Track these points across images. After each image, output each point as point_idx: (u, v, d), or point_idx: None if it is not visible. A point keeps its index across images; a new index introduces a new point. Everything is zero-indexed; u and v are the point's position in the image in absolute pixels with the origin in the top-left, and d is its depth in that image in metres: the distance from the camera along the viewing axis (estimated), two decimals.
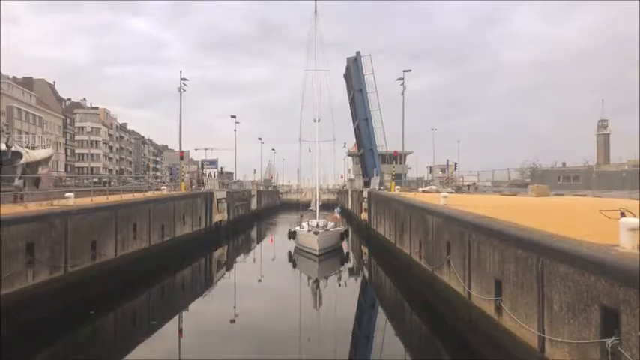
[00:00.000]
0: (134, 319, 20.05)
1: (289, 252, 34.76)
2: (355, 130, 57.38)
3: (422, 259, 20.04)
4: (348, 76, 56.62)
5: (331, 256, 32.84)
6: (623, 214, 13.26)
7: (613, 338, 6.81)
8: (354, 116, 56.29)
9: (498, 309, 11.13)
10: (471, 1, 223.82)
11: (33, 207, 18.12)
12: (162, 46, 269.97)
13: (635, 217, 12.69)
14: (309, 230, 32.63)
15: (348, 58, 54.33)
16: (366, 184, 54.70)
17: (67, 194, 19.97)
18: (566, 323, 8.11)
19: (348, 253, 36.55)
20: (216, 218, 44.61)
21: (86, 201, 22.85)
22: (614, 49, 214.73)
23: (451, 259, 15.30)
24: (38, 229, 16.07)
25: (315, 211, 39.82)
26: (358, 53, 54.22)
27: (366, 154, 56.91)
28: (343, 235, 36.45)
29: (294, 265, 31.68)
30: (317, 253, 30.61)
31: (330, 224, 36.02)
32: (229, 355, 14.66)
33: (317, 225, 33.45)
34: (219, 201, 46.24)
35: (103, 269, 20.40)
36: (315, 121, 40.97)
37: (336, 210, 45.60)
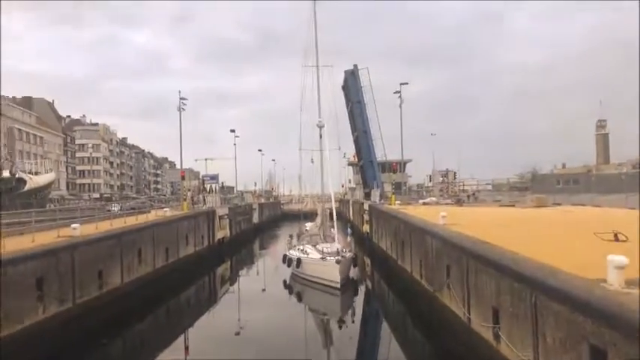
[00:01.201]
0: (142, 341, 20.61)
1: (284, 281, 30.32)
2: (354, 141, 57.81)
3: (423, 279, 20.39)
4: (345, 88, 57.07)
5: (349, 287, 27.47)
6: (616, 237, 13.72)
7: None
8: (353, 128, 56.72)
9: (497, 337, 11.47)
10: (470, 1, 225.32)
11: (40, 239, 18.49)
12: (162, 57, 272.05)
13: (627, 240, 13.16)
14: (323, 258, 26.82)
15: (345, 71, 54.80)
16: (367, 195, 55.05)
17: (73, 225, 20.33)
18: (559, 358, 8.46)
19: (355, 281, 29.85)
20: (219, 235, 44.97)
21: (91, 228, 23.21)
22: (613, 50, 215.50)
23: (451, 282, 15.64)
24: (47, 264, 16.46)
25: (332, 233, 33.22)
26: (355, 66, 54.74)
27: (366, 166, 57.33)
28: (355, 262, 30.43)
29: (299, 299, 27.04)
30: (339, 285, 25.30)
31: (339, 247, 29.48)
32: None
33: (337, 251, 27.71)
34: (221, 217, 46.59)
35: (110, 297, 20.75)
36: (319, 126, 35.25)
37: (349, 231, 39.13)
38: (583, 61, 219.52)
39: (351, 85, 55.14)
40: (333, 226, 34.02)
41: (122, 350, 19.10)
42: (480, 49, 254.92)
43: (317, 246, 29.97)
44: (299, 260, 29.19)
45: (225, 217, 48.38)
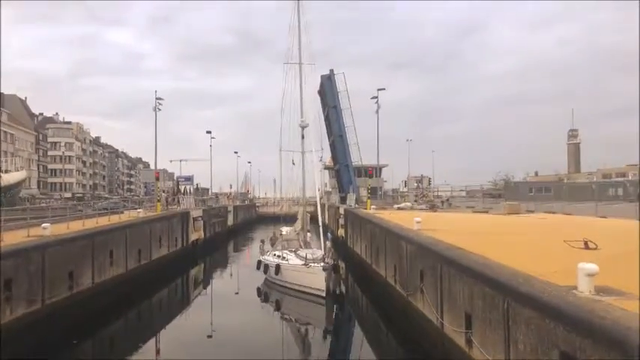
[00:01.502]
0: (112, 343, 20.25)
1: (258, 288, 28.61)
2: (330, 145, 57.87)
3: (397, 284, 20.50)
4: (322, 93, 57.05)
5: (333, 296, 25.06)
6: (586, 244, 13.99)
7: None
8: (329, 132, 56.77)
9: (469, 342, 11.58)
10: (449, 13, 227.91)
11: (9, 238, 18.09)
12: (140, 57, 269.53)
13: (596, 247, 13.42)
14: (306, 264, 25.18)
15: (322, 76, 54.78)
16: (343, 200, 55.14)
17: (44, 225, 19.94)
18: None
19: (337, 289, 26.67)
20: (193, 237, 44.55)
21: (62, 228, 22.78)
22: (588, 59, 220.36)
23: (424, 287, 15.77)
24: (16, 265, 16.09)
25: (321, 240, 29.35)
26: (331, 70, 54.84)
27: (342, 170, 57.44)
28: (336, 269, 27.19)
29: (278, 308, 25.42)
30: (324, 294, 23.71)
31: (321, 253, 27.48)
32: None
33: (323, 258, 25.75)
34: (195, 219, 46.17)
35: (80, 298, 20.39)
36: (301, 126, 33.69)
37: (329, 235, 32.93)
38: (558, 71, 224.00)
39: (328, 89, 55.19)
40: (309, 231, 32.08)
41: (91, 352, 18.77)
42: (461, 58, 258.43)
43: (297, 252, 28.65)
44: (278, 266, 27.56)
45: (200, 219, 47.97)
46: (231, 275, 39.30)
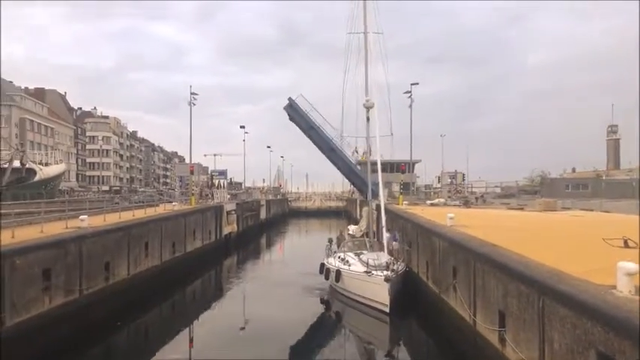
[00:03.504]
0: (146, 333, 20.87)
1: (322, 299, 24.78)
2: (330, 161, 56.95)
3: (429, 280, 20.32)
4: (293, 120, 56.05)
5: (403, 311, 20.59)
6: (626, 243, 13.58)
7: None
8: (321, 150, 56.16)
9: (502, 340, 11.40)
10: (491, 1, 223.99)
11: (48, 229, 18.57)
12: (184, 52, 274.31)
13: (637, 246, 13.01)
14: (368, 272, 21.09)
15: (284, 108, 53.26)
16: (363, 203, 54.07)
17: (81, 217, 20.41)
18: None
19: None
20: (226, 230, 45.05)
21: (99, 220, 23.28)
22: (629, 51, 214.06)
23: (457, 284, 15.58)
24: (54, 255, 16.53)
25: (382, 240, 25.63)
26: (290, 98, 52.84)
27: (352, 178, 56.07)
28: (408, 277, 22.83)
29: (339, 320, 22.22)
30: (388, 309, 19.74)
31: (388, 257, 23.01)
32: None
33: (387, 264, 21.32)
34: (228, 213, 46.71)
35: (116, 289, 20.85)
36: (366, 107, 28.88)
37: (387, 235, 25.81)
38: (598, 63, 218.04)
39: (296, 117, 54.00)
40: (379, 233, 26.36)
41: (127, 340, 19.29)
42: (501, 49, 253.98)
43: (361, 255, 23.97)
44: (338, 272, 23.59)
45: (233, 212, 48.46)
46: (263, 268, 39.63)
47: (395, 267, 21.34)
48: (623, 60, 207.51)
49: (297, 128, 48.04)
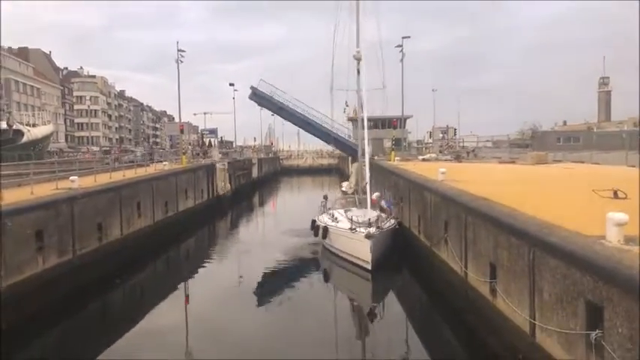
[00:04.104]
0: (142, 291, 21.05)
1: (318, 253, 24.62)
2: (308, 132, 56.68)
3: (421, 234, 20.51)
4: (262, 104, 55.58)
5: (388, 266, 20.86)
6: (615, 194, 13.68)
7: (597, 331, 7.22)
8: (297, 126, 55.69)
9: (493, 291, 11.58)
10: None
11: (38, 191, 18.45)
12: (174, 11, 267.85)
13: (626, 197, 13.11)
14: (352, 229, 20.59)
15: (249, 97, 52.78)
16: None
17: (72, 177, 20.26)
18: (555, 313, 8.54)
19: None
20: (219, 189, 45.01)
21: (89, 180, 23.15)
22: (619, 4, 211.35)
23: (448, 237, 15.73)
24: (45, 216, 16.48)
25: (366, 194, 25.04)
26: (252, 87, 51.95)
27: (336, 144, 55.78)
28: (398, 234, 22.88)
29: (327, 279, 21.86)
30: (370, 267, 19.51)
31: (377, 214, 22.94)
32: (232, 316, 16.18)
33: (369, 221, 20.75)
34: (220, 171, 46.58)
35: (110, 249, 20.93)
36: (356, 59, 27.31)
37: (377, 194, 26.88)
38: (593, 15, 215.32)
39: (264, 102, 53.54)
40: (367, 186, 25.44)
41: (122, 300, 19.48)
42: (499, 3, 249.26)
43: (348, 212, 23.58)
44: (325, 229, 23.20)
45: (225, 171, 48.31)
46: (256, 225, 39.89)
47: (381, 224, 20.87)
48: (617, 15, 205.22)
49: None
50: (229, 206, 46.08)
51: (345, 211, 24.20)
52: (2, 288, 13.73)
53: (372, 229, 19.62)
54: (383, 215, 22.90)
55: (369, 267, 19.44)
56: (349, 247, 21.07)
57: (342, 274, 21.37)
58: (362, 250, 19.71)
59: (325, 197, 29.00)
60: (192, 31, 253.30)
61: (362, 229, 19.93)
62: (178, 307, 17.87)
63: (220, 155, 55.67)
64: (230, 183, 49.70)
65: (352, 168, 33.40)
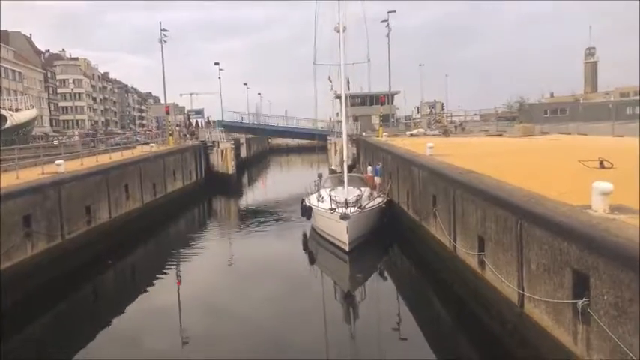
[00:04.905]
0: (133, 271, 21.16)
1: (304, 235, 24.11)
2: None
3: (410, 210, 20.61)
4: (232, 131, 59.89)
5: (368, 246, 20.48)
6: (601, 164, 13.79)
7: (583, 299, 7.32)
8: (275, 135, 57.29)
9: (482, 263, 11.71)
10: None
11: (24, 176, 18.28)
12: None
13: (612, 167, 13.23)
14: (332, 209, 19.63)
15: (218, 126, 55.49)
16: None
17: (58, 161, 20.07)
18: (543, 283, 8.66)
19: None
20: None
21: (76, 164, 22.97)
22: None
23: (437, 212, 15.83)
24: (33, 201, 16.35)
25: (343, 173, 24.35)
26: (220, 120, 55.61)
27: (314, 138, 56.23)
28: (385, 213, 22.62)
29: (312, 261, 21.05)
30: (347, 248, 19.12)
31: (365, 192, 22.39)
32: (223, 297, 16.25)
33: (346, 201, 19.84)
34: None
35: (99, 232, 20.86)
36: (337, 31, 25.01)
37: (371, 169, 28.22)
38: None
39: (234, 128, 57.71)
40: (343, 164, 25.03)
41: (114, 278, 19.59)
42: None
43: (332, 192, 22.37)
44: (309, 209, 22.79)
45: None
46: (248, 207, 39.85)
47: (364, 203, 20.32)
48: None
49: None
50: (218, 187, 45.49)
51: (331, 191, 23.16)
52: None
53: (350, 210, 19.01)
54: (374, 193, 22.41)
55: (347, 248, 19.06)
56: (330, 227, 20.65)
57: (326, 256, 20.83)
58: (340, 231, 19.27)
59: (320, 176, 28.14)
60: (178, 10, 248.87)
61: (340, 210, 19.23)
62: (170, 288, 17.96)
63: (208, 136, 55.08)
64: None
65: (337, 147, 32.78)
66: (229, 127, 53.82)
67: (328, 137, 49.98)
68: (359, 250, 19.51)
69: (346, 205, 19.50)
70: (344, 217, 18.57)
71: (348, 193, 21.80)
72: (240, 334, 13.10)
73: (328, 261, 20.51)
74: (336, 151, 44.24)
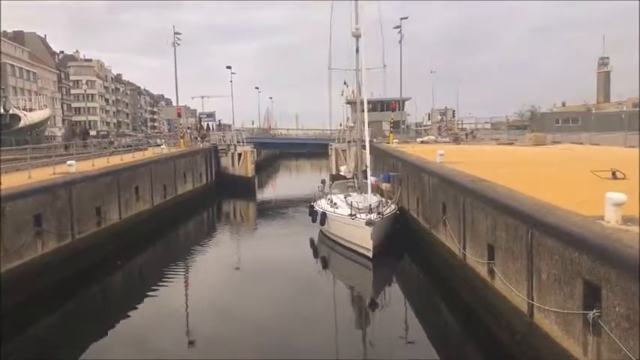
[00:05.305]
0: (141, 273, 21.14)
1: (311, 240, 24.01)
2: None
3: (420, 217, 20.54)
4: None
5: (389, 253, 20.34)
6: (614, 174, 13.67)
7: (594, 311, 7.24)
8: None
9: (491, 272, 11.62)
10: None
11: (36, 175, 18.42)
12: None
13: (625, 177, 13.10)
14: (352, 215, 19.77)
15: None
16: None
17: (69, 162, 20.22)
18: (553, 293, 8.57)
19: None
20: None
21: (87, 165, 23.12)
22: None
23: (447, 219, 15.75)
24: (44, 201, 16.46)
25: (367, 180, 23.85)
26: None
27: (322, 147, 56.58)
28: (398, 219, 22.29)
29: (325, 266, 21.03)
30: (371, 254, 18.92)
31: (377, 199, 22.40)
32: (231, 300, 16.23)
33: (370, 207, 19.73)
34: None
35: (109, 233, 20.95)
36: (355, 36, 25.48)
37: (374, 179, 26.85)
38: None
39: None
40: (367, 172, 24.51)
41: (122, 280, 19.64)
42: None
43: (348, 198, 22.90)
44: (324, 215, 22.50)
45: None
46: (257, 209, 39.91)
47: (382, 209, 20.10)
48: None
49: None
50: (228, 190, 45.40)
51: (345, 197, 23.58)
52: (2, 272, 13.76)
53: (373, 216, 18.86)
54: (384, 200, 22.31)
55: (370, 254, 18.88)
56: (349, 233, 20.41)
57: (341, 262, 20.82)
58: (362, 237, 19.07)
59: (323, 182, 28.31)
60: (198, 14, 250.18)
61: (362, 216, 19.21)
62: (178, 290, 18.03)
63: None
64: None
65: (350, 152, 33.04)
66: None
67: (330, 143, 49.98)
68: (380, 256, 19.23)
69: (370, 210, 19.35)
70: (369, 223, 18.34)
71: (365, 199, 21.73)
72: (248, 337, 13.06)
73: (343, 267, 20.51)
74: (338, 156, 44.20)
